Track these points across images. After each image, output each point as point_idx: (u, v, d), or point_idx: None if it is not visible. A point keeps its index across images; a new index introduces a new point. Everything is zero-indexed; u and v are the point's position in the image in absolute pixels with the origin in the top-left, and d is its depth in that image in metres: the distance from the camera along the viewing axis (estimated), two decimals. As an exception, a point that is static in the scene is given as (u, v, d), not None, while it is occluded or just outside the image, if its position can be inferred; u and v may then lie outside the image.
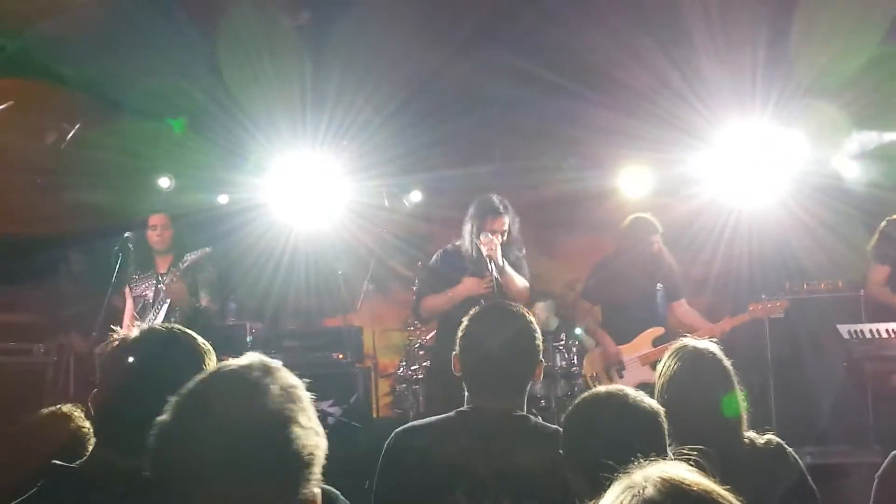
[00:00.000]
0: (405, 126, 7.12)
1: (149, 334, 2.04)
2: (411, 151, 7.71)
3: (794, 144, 6.17)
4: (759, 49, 5.34)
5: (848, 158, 6.49)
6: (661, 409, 2.15)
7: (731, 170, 6.43)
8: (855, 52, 5.18)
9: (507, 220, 4.96)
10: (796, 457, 2.68)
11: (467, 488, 2.29)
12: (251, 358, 1.44)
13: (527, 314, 2.59)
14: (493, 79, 5.98)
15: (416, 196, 7.75)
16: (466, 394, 2.53)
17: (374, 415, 7.32)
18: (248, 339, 6.86)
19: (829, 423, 5.72)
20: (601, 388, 2.23)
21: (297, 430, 1.37)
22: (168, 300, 5.48)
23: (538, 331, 2.57)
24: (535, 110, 6.60)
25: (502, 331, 2.51)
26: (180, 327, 2.07)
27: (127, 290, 5.73)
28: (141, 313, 5.59)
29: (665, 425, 2.13)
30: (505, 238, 4.95)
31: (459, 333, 2.58)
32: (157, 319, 5.42)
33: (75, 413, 2.59)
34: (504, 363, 2.46)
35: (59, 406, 2.61)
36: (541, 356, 2.55)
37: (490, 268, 4.78)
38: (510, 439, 2.36)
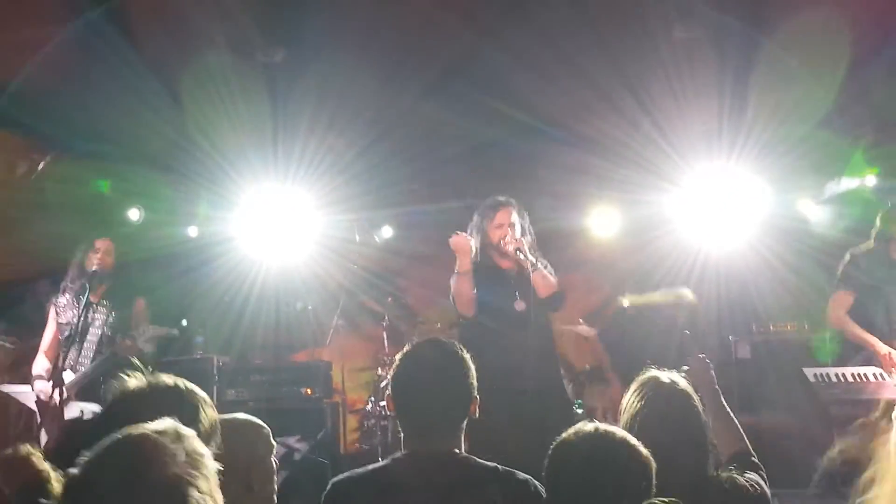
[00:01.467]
0: (377, 161, 7.14)
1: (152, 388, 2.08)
2: (382, 186, 7.74)
3: (760, 188, 6.23)
4: (725, 96, 5.44)
5: (812, 203, 6.59)
6: (651, 460, 2.13)
7: (698, 211, 6.50)
8: (808, 114, 5.31)
9: (513, 213, 4.90)
10: (765, 491, 2.67)
11: None
12: (165, 423, 1.57)
13: (459, 350, 2.53)
14: (464, 118, 6.03)
15: (387, 231, 7.75)
16: (402, 436, 2.47)
17: (342, 451, 7.25)
18: (216, 373, 6.79)
19: (796, 466, 5.75)
20: (589, 426, 2.19)
21: (194, 494, 1.47)
22: (98, 334, 5.32)
23: (471, 367, 2.50)
24: (506, 150, 6.65)
25: (434, 369, 2.45)
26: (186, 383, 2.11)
27: (54, 311, 5.50)
28: (66, 342, 5.33)
29: (653, 476, 2.10)
30: (517, 233, 4.86)
31: (391, 373, 2.53)
32: (83, 353, 5.29)
33: (33, 455, 2.54)
34: (437, 403, 2.41)
35: (17, 448, 2.56)
36: (475, 392, 2.48)
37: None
38: (449, 483, 2.30)
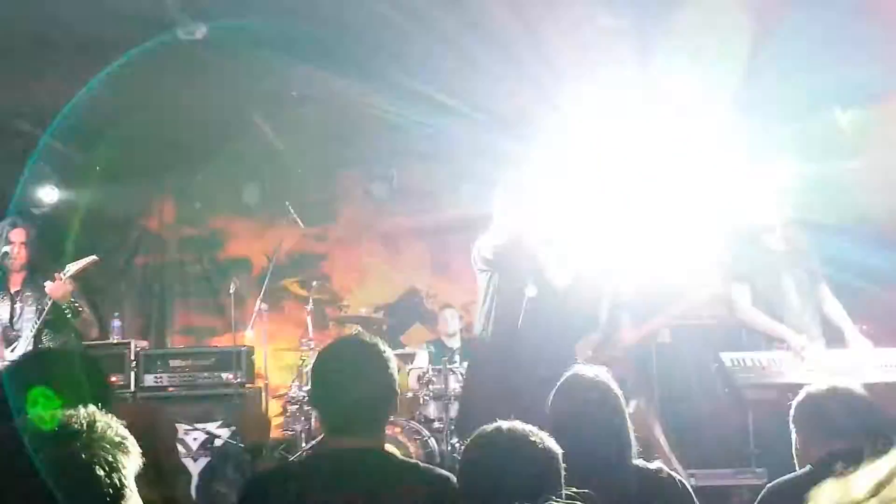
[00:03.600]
0: (302, 144, 7.07)
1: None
2: (307, 169, 7.67)
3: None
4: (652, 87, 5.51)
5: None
6: (558, 451, 2.15)
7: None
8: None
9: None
10: (685, 483, 2.74)
11: None
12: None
13: (381, 346, 2.50)
14: (387, 100, 5.99)
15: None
16: (324, 433, 2.48)
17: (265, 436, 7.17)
18: (133, 358, 6.65)
19: (712, 448, 5.90)
20: (493, 426, 2.21)
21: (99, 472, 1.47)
22: (33, 320, 5.14)
23: (393, 362, 2.49)
24: (431, 134, 6.63)
25: (353, 366, 2.43)
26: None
27: None
28: (5, 335, 5.20)
29: (561, 467, 2.13)
30: None
31: (312, 369, 2.51)
32: (21, 344, 5.10)
33: None
34: (356, 399, 2.38)
35: None
36: (396, 388, 2.47)
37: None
38: (369, 479, 2.28)
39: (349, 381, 2.39)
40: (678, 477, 2.72)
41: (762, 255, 5.07)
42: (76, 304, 5.21)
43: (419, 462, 2.40)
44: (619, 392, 2.77)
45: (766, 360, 4.62)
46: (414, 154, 7.49)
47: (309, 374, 6.54)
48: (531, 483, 2.05)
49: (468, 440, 2.22)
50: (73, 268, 5.20)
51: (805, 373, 4.38)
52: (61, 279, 5.10)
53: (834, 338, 5.00)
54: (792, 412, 2.92)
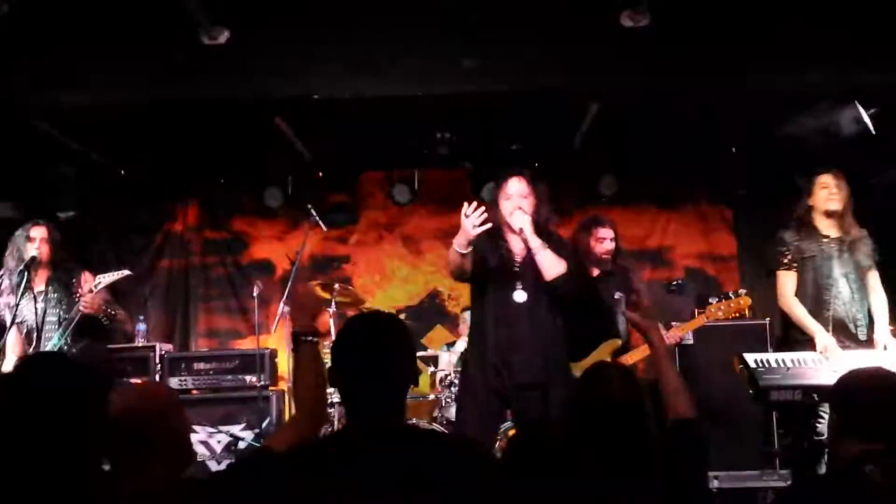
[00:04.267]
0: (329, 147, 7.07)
1: None
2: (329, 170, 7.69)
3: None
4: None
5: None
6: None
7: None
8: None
9: (525, 184, 4.52)
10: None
11: None
12: None
13: (399, 321, 2.50)
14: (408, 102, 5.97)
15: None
16: (346, 414, 2.39)
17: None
18: (158, 361, 6.70)
19: (736, 450, 5.86)
20: None
21: None
22: (66, 323, 5.11)
23: (411, 337, 2.45)
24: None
25: (373, 340, 2.37)
26: None
27: (7, 312, 5.20)
28: (28, 337, 5.20)
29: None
30: (530, 210, 4.48)
31: (332, 348, 2.42)
32: (48, 346, 5.07)
33: None
34: (377, 373, 2.31)
35: None
36: (416, 361, 2.43)
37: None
38: (394, 455, 2.20)
39: (370, 356, 2.34)
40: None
41: (814, 242, 5.00)
42: (110, 311, 5.23)
43: (442, 430, 2.35)
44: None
45: (791, 360, 4.59)
46: (436, 157, 7.51)
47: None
48: None
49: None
50: (105, 279, 5.18)
51: (831, 374, 4.33)
52: (92, 290, 5.09)
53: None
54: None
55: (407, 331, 2.47)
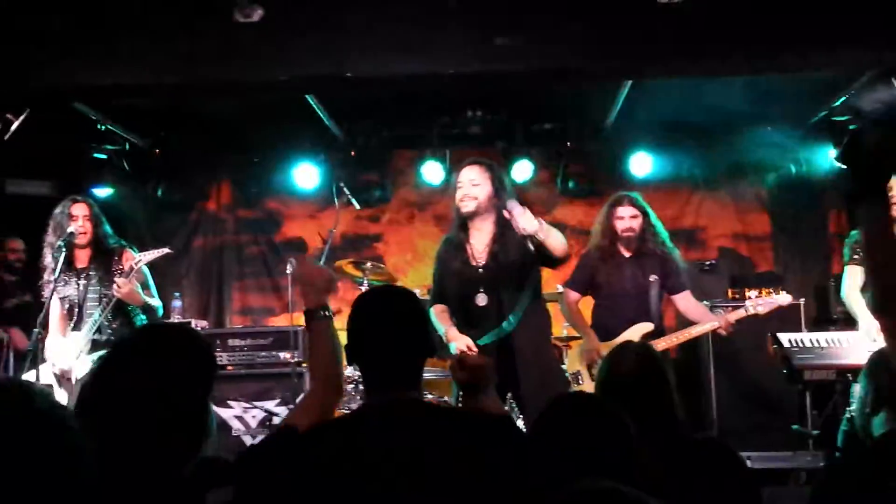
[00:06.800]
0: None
1: None
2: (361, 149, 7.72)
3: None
4: None
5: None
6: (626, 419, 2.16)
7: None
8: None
9: (477, 172, 4.51)
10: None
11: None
12: None
13: (413, 295, 2.47)
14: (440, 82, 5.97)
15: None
16: (365, 388, 2.41)
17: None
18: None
19: (769, 430, 5.84)
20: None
21: None
22: (105, 300, 5.10)
23: (425, 310, 2.45)
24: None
25: (389, 314, 2.36)
26: None
27: (51, 287, 5.14)
28: (70, 313, 5.22)
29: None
30: (483, 196, 4.46)
31: (348, 323, 2.40)
32: (85, 328, 5.10)
33: None
34: (394, 347, 2.31)
35: None
36: (432, 333, 2.45)
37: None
38: (413, 429, 2.18)
39: (386, 330, 2.33)
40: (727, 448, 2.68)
41: None
42: (145, 303, 5.19)
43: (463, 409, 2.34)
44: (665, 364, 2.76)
45: (825, 340, 4.57)
46: (468, 135, 7.52)
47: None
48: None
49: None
50: (146, 257, 5.19)
51: (864, 353, 4.31)
52: (133, 268, 5.10)
53: None
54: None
55: (419, 303, 2.45)
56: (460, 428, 2.21)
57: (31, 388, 1.42)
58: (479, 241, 4.51)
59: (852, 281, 4.91)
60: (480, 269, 4.46)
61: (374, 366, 2.35)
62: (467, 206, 4.46)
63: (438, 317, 4.47)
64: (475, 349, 4.19)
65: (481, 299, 4.41)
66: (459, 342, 4.25)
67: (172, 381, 1.94)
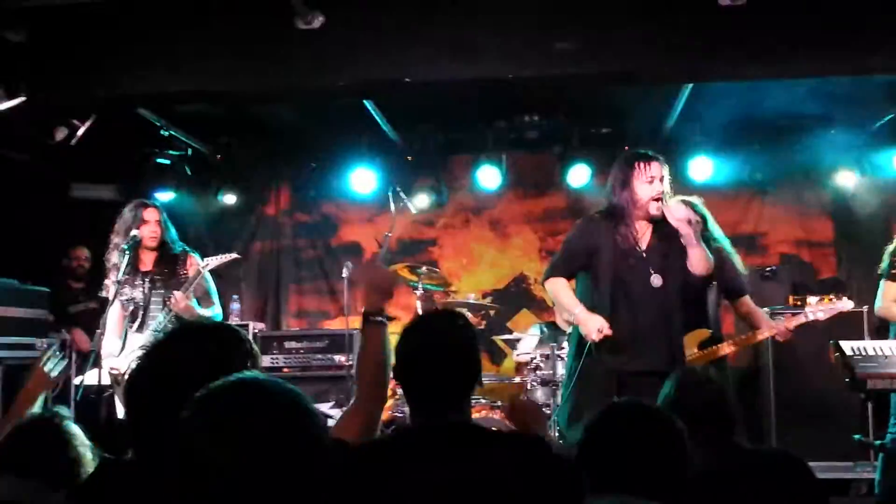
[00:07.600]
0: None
1: None
2: (415, 154, 7.77)
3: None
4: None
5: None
6: (681, 425, 2.16)
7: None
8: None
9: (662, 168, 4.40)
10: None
11: None
12: None
13: (465, 320, 2.49)
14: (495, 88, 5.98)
15: (421, 200, 7.75)
16: (410, 410, 2.42)
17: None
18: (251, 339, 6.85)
19: (830, 440, 5.72)
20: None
21: None
22: (164, 309, 5.15)
23: (476, 338, 2.45)
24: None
25: (439, 339, 2.37)
26: None
27: (114, 288, 5.15)
28: (132, 316, 5.26)
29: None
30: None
31: (397, 344, 2.42)
32: (153, 325, 5.17)
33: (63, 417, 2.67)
34: (441, 373, 2.31)
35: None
36: (480, 360, 2.41)
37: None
38: (456, 454, 2.18)
39: (435, 356, 2.33)
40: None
41: None
42: (200, 317, 5.20)
43: (505, 432, 2.35)
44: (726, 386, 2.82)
45: (889, 348, 4.46)
46: (525, 140, 7.52)
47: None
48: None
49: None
50: (213, 262, 5.23)
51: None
52: (200, 272, 5.15)
53: None
54: None
55: (472, 331, 2.47)
56: (495, 455, 2.19)
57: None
58: (640, 228, 4.44)
59: (887, 294, 4.90)
60: (644, 254, 4.39)
61: (418, 391, 2.36)
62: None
63: (562, 292, 4.47)
64: (609, 332, 4.17)
65: (656, 280, 4.34)
66: (593, 323, 4.20)
67: (210, 364, 2.00)
